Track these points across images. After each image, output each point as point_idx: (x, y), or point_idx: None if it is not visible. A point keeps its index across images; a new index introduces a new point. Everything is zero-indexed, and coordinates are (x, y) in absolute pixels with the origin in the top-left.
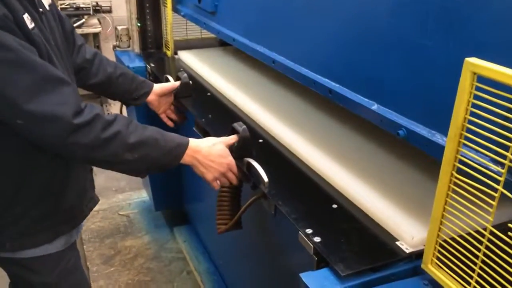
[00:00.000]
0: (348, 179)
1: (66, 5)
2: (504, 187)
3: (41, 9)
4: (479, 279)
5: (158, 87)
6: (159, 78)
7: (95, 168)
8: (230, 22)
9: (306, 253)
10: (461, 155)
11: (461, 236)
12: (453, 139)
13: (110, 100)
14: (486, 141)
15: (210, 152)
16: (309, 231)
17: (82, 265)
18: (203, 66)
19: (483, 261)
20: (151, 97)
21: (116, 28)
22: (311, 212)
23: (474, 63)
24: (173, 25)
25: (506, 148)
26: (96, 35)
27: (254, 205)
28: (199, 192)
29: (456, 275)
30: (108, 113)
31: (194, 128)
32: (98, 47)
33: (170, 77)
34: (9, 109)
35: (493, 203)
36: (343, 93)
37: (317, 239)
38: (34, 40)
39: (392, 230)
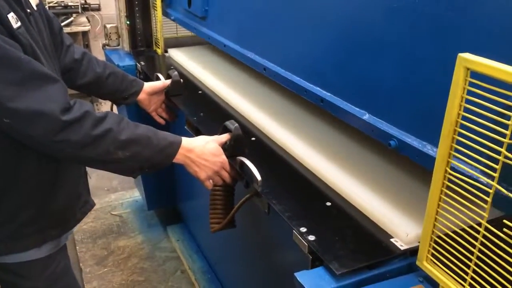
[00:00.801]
0: (342, 177)
1: (54, 3)
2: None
3: (28, 10)
4: (474, 275)
5: (148, 86)
6: (150, 76)
7: (87, 168)
8: (220, 27)
9: (300, 252)
10: (453, 165)
11: (455, 232)
12: (446, 136)
13: (100, 99)
14: (476, 153)
15: (203, 151)
16: (303, 229)
17: (75, 266)
18: (194, 64)
19: (478, 257)
20: (142, 96)
21: (105, 27)
22: (305, 210)
23: (467, 58)
24: (163, 23)
25: (496, 161)
26: (85, 34)
27: (248, 203)
28: (192, 190)
29: (451, 271)
30: (99, 111)
31: (185, 127)
32: (87, 45)
33: (160, 76)
34: None
35: (488, 199)
36: (334, 102)
37: (311, 237)
38: (18, 39)
39: (387, 227)
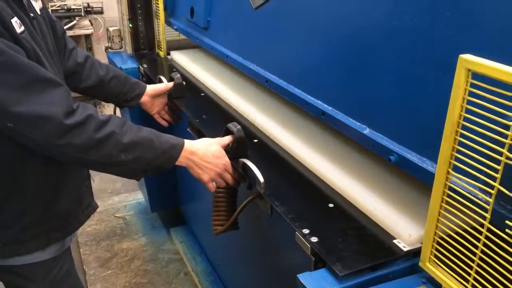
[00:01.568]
0: (345, 179)
1: (57, 6)
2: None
3: (32, 14)
4: (476, 276)
5: (151, 89)
6: (152, 79)
7: (91, 171)
8: (223, 38)
9: (303, 253)
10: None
11: (458, 234)
12: (448, 137)
13: (104, 102)
14: (474, 170)
15: (205, 153)
16: (306, 231)
17: (79, 268)
18: (197, 66)
19: (480, 258)
20: (144, 99)
21: (107, 30)
22: (308, 212)
23: (469, 60)
24: (166, 26)
25: (494, 178)
26: (88, 37)
27: (251, 205)
28: (195, 192)
29: (454, 272)
30: (102, 115)
31: (188, 129)
32: (90, 48)
33: (163, 78)
34: None
35: (490, 199)
36: (335, 115)
37: (314, 239)
38: (22, 44)
39: (389, 229)
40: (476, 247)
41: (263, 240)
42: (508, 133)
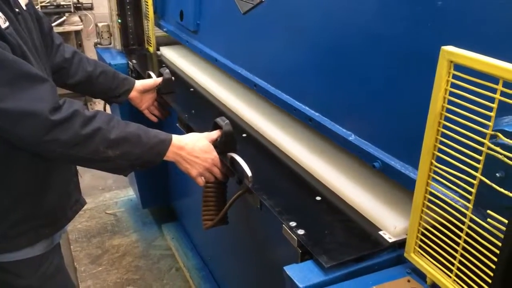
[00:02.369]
0: (332, 172)
1: (46, 2)
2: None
3: (17, 9)
4: (460, 266)
5: (139, 84)
6: (142, 74)
7: (80, 168)
8: (212, 42)
9: (290, 246)
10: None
11: (442, 224)
12: (431, 128)
13: (93, 98)
14: (453, 176)
15: (193, 148)
16: (292, 223)
17: (70, 265)
18: (186, 61)
19: (464, 248)
20: (133, 94)
21: (96, 25)
22: (295, 205)
23: (450, 51)
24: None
25: (472, 185)
26: (77, 33)
27: (240, 200)
28: (185, 188)
29: (438, 263)
30: (89, 110)
31: (177, 124)
32: (80, 45)
33: (152, 74)
34: None
35: (473, 190)
36: (322, 122)
37: (300, 231)
38: (7, 39)
39: (375, 221)
40: (460, 236)
41: (253, 234)
42: (485, 140)
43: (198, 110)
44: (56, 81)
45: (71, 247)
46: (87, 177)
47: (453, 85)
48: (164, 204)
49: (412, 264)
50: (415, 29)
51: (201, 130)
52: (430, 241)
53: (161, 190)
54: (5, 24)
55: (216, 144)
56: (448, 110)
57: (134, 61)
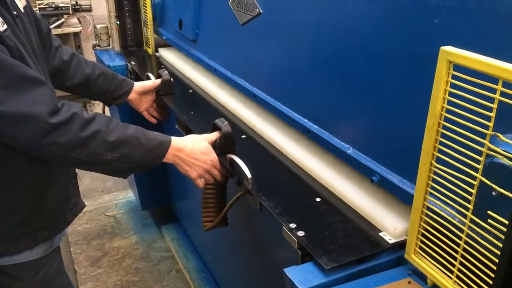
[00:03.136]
0: (331, 173)
1: (45, 4)
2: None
3: (15, 12)
4: (460, 267)
5: (138, 86)
6: (140, 76)
7: (79, 170)
8: (211, 52)
9: (290, 248)
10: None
11: (442, 225)
12: (430, 129)
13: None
14: (451, 192)
15: (193, 150)
16: (292, 225)
17: (70, 268)
18: (185, 63)
19: (464, 249)
20: (132, 96)
21: (95, 27)
22: (295, 207)
23: (450, 52)
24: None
25: (469, 201)
26: (76, 35)
27: (240, 201)
28: (185, 189)
29: (439, 264)
30: (88, 113)
31: (176, 126)
32: (79, 46)
33: (151, 75)
34: None
35: (473, 191)
36: (320, 134)
37: (300, 233)
38: (5, 42)
39: (375, 222)
40: (460, 238)
41: (253, 236)
42: (485, 141)
43: (197, 112)
44: (55, 83)
45: (71, 249)
46: (87, 179)
47: (453, 86)
48: (164, 206)
49: (412, 265)
50: (414, 43)
51: (200, 131)
52: (431, 242)
53: (161, 192)
54: (3, 27)
55: (215, 145)
56: (448, 111)
57: (132, 62)
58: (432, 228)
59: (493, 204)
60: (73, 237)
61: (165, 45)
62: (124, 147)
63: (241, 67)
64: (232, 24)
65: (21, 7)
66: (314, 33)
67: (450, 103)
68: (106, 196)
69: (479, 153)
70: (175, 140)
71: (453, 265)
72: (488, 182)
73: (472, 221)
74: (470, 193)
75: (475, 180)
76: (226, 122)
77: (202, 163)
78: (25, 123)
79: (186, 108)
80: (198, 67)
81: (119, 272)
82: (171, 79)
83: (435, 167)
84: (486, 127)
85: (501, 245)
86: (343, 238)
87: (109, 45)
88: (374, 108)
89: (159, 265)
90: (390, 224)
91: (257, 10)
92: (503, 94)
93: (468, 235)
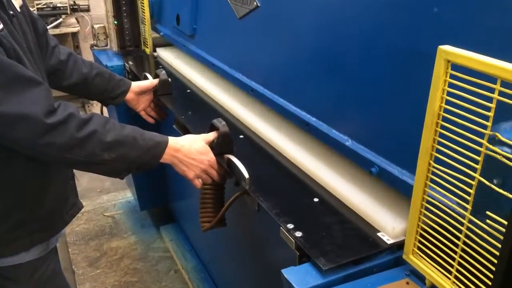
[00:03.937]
0: (330, 173)
1: (43, 5)
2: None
3: (11, 12)
4: (459, 267)
5: (136, 86)
6: (138, 76)
7: (77, 171)
8: (208, 46)
9: (288, 248)
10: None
11: (440, 225)
12: (429, 127)
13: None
14: (450, 184)
15: (190, 150)
16: (290, 226)
17: (68, 268)
18: (182, 63)
19: (462, 249)
20: (130, 96)
21: (92, 27)
22: (293, 207)
23: (448, 51)
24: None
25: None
26: (74, 35)
27: (238, 201)
28: (184, 190)
29: (437, 264)
30: (85, 114)
31: (174, 126)
32: (77, 46)
33: (148, 75)
34: None
35: (471, 191)
36: (319, 127)
37: (298, 233)
38: (1, 42)
39: (374, 222)
40: (459, 238)
41: (251, 236)
42: (483, 140)
43: (195, 112)
44: (52, 83)
45: (69, 249)
46: (85, 179)
47: (451, 86)
48: (162, 206)
49: (411, 266)
50: (411, 33)
51: (198, 131)
52: (429, 243)
53: (159, 192)
54: None
55: (212, 145)
56: (446, 110)
57: (130, 62)
58: (431, 228)
59: (493, 201)
60: (71, 237)
61: (163, 44)
62: (121, 147)
63: (239, 61)
64: (229, 18)
65: (17, 6)
66: (313, 25)
67: (448, 102)
68: (105, 197)
69: (478, 153)
70: (172, 140)
71: (452, 266)
72: (487, 183)
73: (472, 213)
74: (470, 185)
75: (473, 180)
76: (224, 122)
77: (199, 163)
78: (22, 123)
79: (184, 108)
80: (196, 67)
81: (117, 273)
82: (169, 79)
83: (434, 167)
84: (485, 127)
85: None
86: (341, 238)
87: (107, 45)
88: (373, 100)
89: (158, 266)
90: (389, 224)
91: (255, 3)
92: (501, 93)
93: (468, 228)
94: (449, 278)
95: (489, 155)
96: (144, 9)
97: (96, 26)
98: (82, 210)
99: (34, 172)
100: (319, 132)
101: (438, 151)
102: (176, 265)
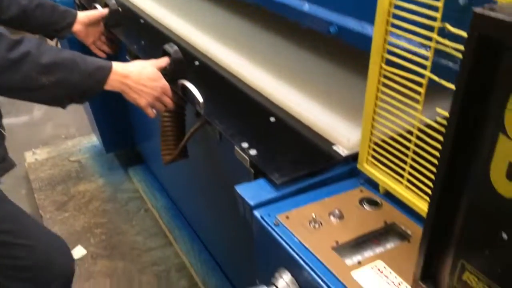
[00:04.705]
0: (285, 91)
1: None
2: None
3: None
4: (411, 170)
5: (83, 15)
6: (88, 8)
7: (40, 117)
8: None
9: (244, 168)
10: (389, 45)
11: (394, 131)
12: (379, 25)
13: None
14: (412, 25)
15: (140, 76)
16: (245, 145)
17: (35, 213)
18: None
19: (414, 152)
20: (77, 27)
21: None
22: (249, 128)
23: None
24: None
25: (432, 29)
26: None
27: (201, 132)
28: (149, 130)
29: (391, 170)
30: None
31: (126, 57)
32: None
33: (98, 5)
34: None
35: (422, 90)
36: None
37: (253, 151)
38: None
39: (329, 135)
40: (410, 141)
41: (215, 167)
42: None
43: (149, 41)
44: None
45: (35, 195)
46: (49, 126)
47: None
48: (129, 148)
49: (365, 175)
50: None
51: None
52: (383, 150)
53: (124, 133)
54: None
55: (165, 72)
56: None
57: None
58: (384, 136)
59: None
60: (36, 184)
61: None
62: (60, 70)
63: None
64: None
65: None
66: None
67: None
68: (70, 142)
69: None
70: (118, 66)
71: (404, 169)
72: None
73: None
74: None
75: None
76: (176, 47)
77: (151, 90)
78: None
79: (137, 38)
80: None
81: (86, 215)
82: (119, 8)
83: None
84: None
85: None
86: (296, 154)
87: None
88: None
89: (127, 206)
90: (344, 136)
91: None
92: None
93: (419, 126)
94: (402, 183)
95: None
96: None
97: None
98: (47, 156)
99: None
100: (273, 3)
101: (390, 52)
102: (146, 204)
